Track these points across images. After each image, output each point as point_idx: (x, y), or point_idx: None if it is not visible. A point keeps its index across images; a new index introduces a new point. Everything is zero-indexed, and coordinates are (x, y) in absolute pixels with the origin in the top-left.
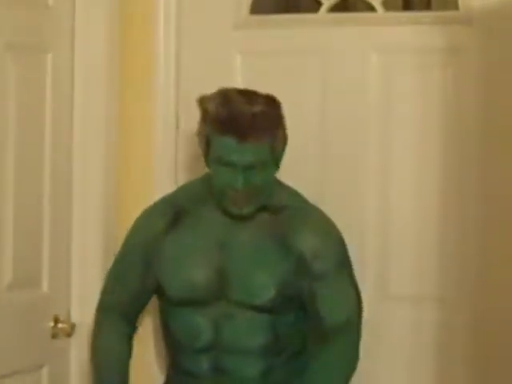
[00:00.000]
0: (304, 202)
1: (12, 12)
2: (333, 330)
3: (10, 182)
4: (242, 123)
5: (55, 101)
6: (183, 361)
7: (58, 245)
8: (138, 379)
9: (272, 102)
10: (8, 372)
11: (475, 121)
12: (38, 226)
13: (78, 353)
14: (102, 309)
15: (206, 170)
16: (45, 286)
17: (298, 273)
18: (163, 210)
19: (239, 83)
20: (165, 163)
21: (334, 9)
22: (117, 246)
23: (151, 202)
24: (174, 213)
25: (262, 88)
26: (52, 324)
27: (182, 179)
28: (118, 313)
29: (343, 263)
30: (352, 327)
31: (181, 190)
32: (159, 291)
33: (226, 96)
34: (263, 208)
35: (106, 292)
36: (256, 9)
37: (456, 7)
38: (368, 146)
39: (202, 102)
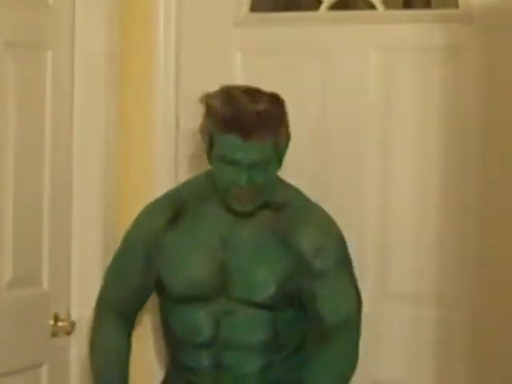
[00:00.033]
0: (305, 200)
1: (12, 11)
2: (333, 329)
3: (9, 179)
4: (247, 122)
5: (55, 100)
6: (183, 357)
7: (58, 243)
8: (138, 376)
9: (276, 100)
10: (8, 370)
11: (475, 119)
12: (38, 225)
13: (77, 351)
14: (102, 304)
15: (207, 169)
16: (45, 284)
17: (299, 270)
18: (165, 205)
19: (239, 81)
20: (165, 163)
21: (334, 7)
22: (117, 244)
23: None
24: (175, 209)
25: (262, 86)
26: (52, 322)
27: (182, 179)
28: (117, 309)
29: (343, 261)
30: (352, 326)
31: (184, 186)
32: (159, 287)
33: (229, 94)
34: (265, 205)
35: (105, 287)
36: (256, 7)
37: (456, 5)
38: (368, 145)
39: (206, 99)
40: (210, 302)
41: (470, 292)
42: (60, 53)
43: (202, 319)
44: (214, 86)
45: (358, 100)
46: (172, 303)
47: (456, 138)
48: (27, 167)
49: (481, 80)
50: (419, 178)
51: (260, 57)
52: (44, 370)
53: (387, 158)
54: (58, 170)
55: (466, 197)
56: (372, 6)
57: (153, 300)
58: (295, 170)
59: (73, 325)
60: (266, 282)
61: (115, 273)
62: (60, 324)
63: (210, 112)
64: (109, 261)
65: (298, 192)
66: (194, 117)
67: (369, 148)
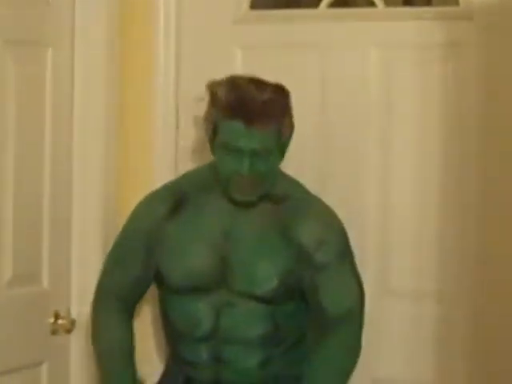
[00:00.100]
0: (306, 192)
1: (12, 8)
2: (334, 321)
3: (9, 178)
4: (251, 108)
5: (55, 99)
6: (183, 350)
7: (58, 241)
8: (138, 370)
9: (281, 90)
10: (8, 368)
11: (475, 116)
12: (38, 223)
13: (77, 349)
14: (101, 292)
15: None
16: (45, 283)
17: (300, 263)
18: (165, 195)
19: None
20: (165, 163)
21: (334, 4)
22: None
23: None
24: (175, 199)
25: None
26: (52, 320)
27: None
28: (117, 297)
29: (345, 254)
30: (354, 317)
31: (184, 177)
32: (159, 279)
33: (235, 82)
34: (266, 197)
35: (105, 274)
36: (256, 4)
37: (456, 2)
38: (368, 142)
39: (211, 86)
40: (210, 294)
41: (469, 289)
42: (60, 51)
43: (201, 311)
44: None
45: (358, 97)
46: (172, 294)
47: (456, 135)
48: (27, 163)
49: (481, 77)
50: (419, 176)
51: (260, 54)
52: (44, 368)
53: (387, 155)
54: (58, 170)
55: (466, 194)
56: (372, 4)
57: (152, 292)
58: (295, 166)
59: (73, 323)
60: (268, 275)
61: (115, 260)
62: (60, 322)
63: (214, 99)
64: None
65: (298, 184)
66: (194, 117)
67: (369, 145)
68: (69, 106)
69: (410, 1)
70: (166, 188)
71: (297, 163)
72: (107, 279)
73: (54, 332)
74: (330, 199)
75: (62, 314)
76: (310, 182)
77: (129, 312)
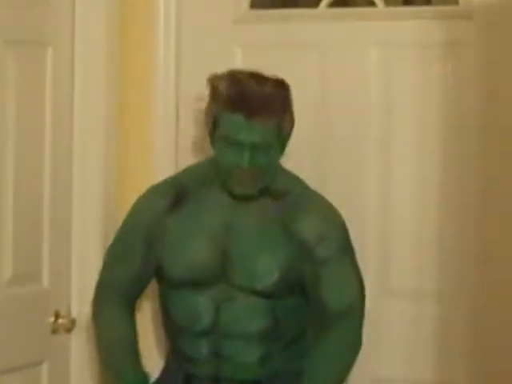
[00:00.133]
0: (306, 187)
1: (12, 8)
2: (335, 316)
3: (9, 176)
4: (252, 101)
5: (55, 99)
6: (182, 345)
7: (58, 240)
8: None
9: (281, 85)
10: (8, 368)
11: (475, 115)
12: (38, 222)
13: (78, 348)
14: (102, 287)
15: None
16: (45, 282)
17: (301, 258)
18: (166, 189)
19: None
20: (165, 163)
21: (334, 4)
22: None
23: None
24: (176, 193)
25: None
26: (52, 319)
27: None
28: (117, 292)
29: (345, 249)
30: (354, 313)
31: (185, 172)
32: (159, 273)
33: (236, 76)
34: (266, 192)
35: (105, 269)
36: (256, 3)
37: (456, 2)
38: (368, 141)
39: (212, 80)
40: (210, 288)
41: (469, 289)
42: (60, 51)
43: (201, 305)
44: None
45: (357, 97)
46: (172, 289)
47: (456, 135)
48: (27, 162)
49: (481, 76)
50: (419, 175)
51: (260, 54)
52: (44, 367)
53: (387, 155)
54: (58, 170)
55: (466, 194)
56: (372, 3)
57: (153, 287)
58: (296, 165)
59: (73, 322)
60: (268, 269)
61: (115, 255)
62: (60, 321)
63: (215, 93)
64: None
65: (298, 180)
66: (194, 117)
67: (369, 145)
68: (69, 105)
69: (410, 0)
70: (167, 182)
71: (297, 163)
72: (107, 274)
73: (54, 331)
74: (330, 199)
75: (63, 313)
76: (310, 182)
77: (130, 307)
